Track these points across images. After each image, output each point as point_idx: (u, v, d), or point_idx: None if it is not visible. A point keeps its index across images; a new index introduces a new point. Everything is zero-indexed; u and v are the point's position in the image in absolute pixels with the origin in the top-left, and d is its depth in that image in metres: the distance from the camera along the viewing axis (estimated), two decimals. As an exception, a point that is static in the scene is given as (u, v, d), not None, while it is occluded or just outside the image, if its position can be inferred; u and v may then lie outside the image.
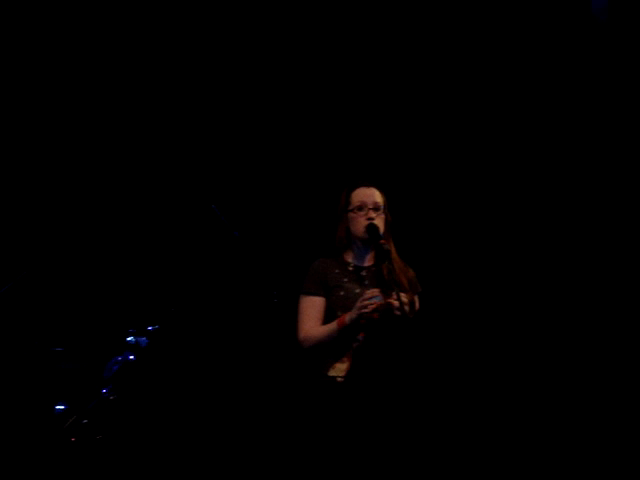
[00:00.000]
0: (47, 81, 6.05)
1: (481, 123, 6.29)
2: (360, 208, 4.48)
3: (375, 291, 4.32)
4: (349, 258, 4.53)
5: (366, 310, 4.28)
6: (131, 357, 5.12)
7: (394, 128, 6.28)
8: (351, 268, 4.50)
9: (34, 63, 6.03)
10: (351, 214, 4.49)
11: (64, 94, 6.06)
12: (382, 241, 4.40)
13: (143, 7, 6.10)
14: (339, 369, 4.35)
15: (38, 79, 6.04)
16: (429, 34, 6.26)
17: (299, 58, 6.24)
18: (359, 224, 4.46)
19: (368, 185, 4.54)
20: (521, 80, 6.25)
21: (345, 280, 4.46)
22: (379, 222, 4.45)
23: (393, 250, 4.47)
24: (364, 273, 4.50)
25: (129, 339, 5.15)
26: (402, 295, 4.26)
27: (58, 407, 5.15)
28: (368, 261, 4.53)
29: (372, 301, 4.30)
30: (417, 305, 4.52)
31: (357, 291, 4.42)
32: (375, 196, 4.51)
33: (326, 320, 4.42)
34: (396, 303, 4.23)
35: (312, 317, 4.41)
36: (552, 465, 5.86)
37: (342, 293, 4.43)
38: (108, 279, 6.03)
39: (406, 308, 4.25)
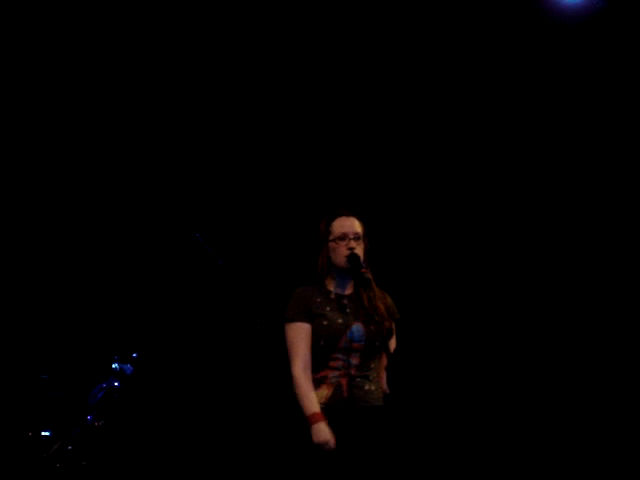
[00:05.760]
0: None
1: (449, 152, 6.38)
2: (342, 238, 4.53)
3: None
4: (330, 286, 4.58)
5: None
6: (116, 384, 5.16)
7: (367, 156, 6.37)
8: (333, 296, 4.55)
9: (22, 63, 6.07)
10: (332, 244, 4.55)
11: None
12: (363, 270, 4.47)
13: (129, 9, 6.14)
14: (320, 395, 4.41)
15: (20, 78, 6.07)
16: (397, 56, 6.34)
17: (273, 86, 6.31)
18: (341, 254, 4.52)
19: (348, 215, 4.60)
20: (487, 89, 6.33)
21: (328, 309, 4.50)
22: (360, 252, 4.52)
23: (371, 278, 4.55)
24: (345, 301, 4.55)
25: (114, 366, 5.19)
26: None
27: (43, 433, 5.17)
28: (349, 289, 4.59)
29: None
30: (394, 332, 4.58)
31: (340, 321, 4.48)
32: (355, 226, 4.57)
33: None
34: None
35: (303, 347, 4.44)
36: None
37: (325, 322, 4.47)
38: (92, 306, 6.06)
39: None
